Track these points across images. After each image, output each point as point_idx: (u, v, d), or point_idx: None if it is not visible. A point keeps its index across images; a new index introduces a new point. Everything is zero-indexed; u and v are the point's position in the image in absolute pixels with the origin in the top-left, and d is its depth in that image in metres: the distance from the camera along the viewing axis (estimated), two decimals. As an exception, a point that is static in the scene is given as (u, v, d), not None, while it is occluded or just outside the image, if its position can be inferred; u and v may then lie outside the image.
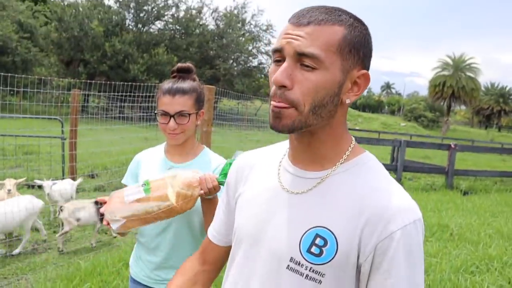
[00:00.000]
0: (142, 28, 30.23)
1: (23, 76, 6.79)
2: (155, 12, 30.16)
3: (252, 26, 33.56)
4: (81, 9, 27.36)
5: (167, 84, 1.87)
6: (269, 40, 33.67)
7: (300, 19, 0.95)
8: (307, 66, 0.92)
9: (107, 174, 8.45)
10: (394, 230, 0.92)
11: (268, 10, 54.84)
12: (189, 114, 1.85)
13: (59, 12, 26.78)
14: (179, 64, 1.93)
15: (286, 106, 0.95)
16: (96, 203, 5.11)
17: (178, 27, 30.94)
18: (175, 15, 30.79)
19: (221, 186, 1.67)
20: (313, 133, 1.01)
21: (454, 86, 45.46)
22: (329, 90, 0.94)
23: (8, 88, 5.85)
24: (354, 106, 66.35)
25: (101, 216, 2.06)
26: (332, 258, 0.95)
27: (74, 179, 6.57)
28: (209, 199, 1.73)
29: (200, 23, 31.55)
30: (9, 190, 5.08)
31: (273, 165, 1.14)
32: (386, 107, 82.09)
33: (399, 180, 10.43)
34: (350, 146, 1.05)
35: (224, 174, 1.66)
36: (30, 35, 27.66)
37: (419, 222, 0.95)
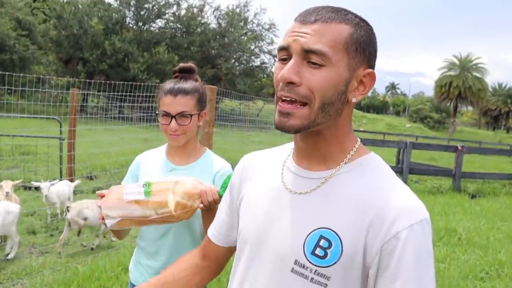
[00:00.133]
0: (142, 27, 30.29)
1: (21, 74, 6.78)
2: (156, 10, 30.22)
3: (254, 25, 33.63)
4: (80, 6, 27.45)
5: (168, 84, 1.86)
6: (271, 39, 33.74)
7: (307, 17, 0.97)
8: (314, 63, 0.94)
9: (106, 175, 8.44)
10: (400, 230, 0.91)
11: (270, 8, 55.08)
12: (191, 115, 1.84)
13: (58, 10, 26.86)
14: (181, 64, 1.92)
15: (297, 106, 0.96)
16: None
17: (179, 26, 31.00)
18: (176, 13, 30.87)
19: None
20: (319, 133, 1.02)
21: (460, 87, 45.45)
22: (336, 88, 0.96)
23: (6, 87, 5.86)
24: (359, 106, 66.46)
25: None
26: (337, 260, 0.95)
27: (72, 180, 6.56)
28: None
29: (202, 21, 31.61)
30: (7, 193, 5.05)
31: (277, 165, 1.15)
32: (391, 107, 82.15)
33: (404, 182, 10.36)
34: (354, 146, 1.05)
35: (224, 187, 1.67)
36: (28, 33, 27.79)
37: (426, 222, 0.94)
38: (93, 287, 3.83)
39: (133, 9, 29.97)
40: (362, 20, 1.00)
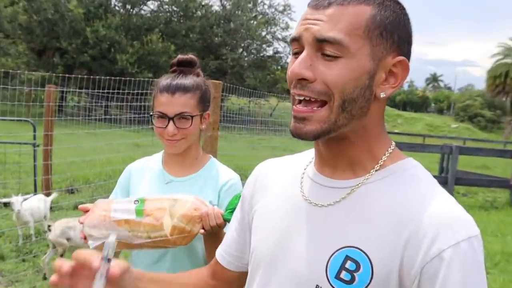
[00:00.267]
0: (131, 10, 30.51)
1: (-15, 68, 6.85)
2: (147, -11, 30.46)
3: (266, 6, 33.75)
4: (56, -14, 27.64)
5: (165, 80, 1.88)
6: (286, 23, 33.78)
7: (321, 1, 0.98)
8: (329, 55, 0.95)
9: (89, 189, 8.50)
10: (444, 249, 0.90)
11: (285, -14, 54.94)
12: (192, 117, 1.85)
13: (29, -10, 27.06)
14: (180, 56, 1.94)
15: (313, 108, 0.97)
16: None
17: (175, 9, 31.17)
18: (172, -7, 31.04)
19: (228, 224, 1.69)
20: (343, 137, 1.02)
21: (519, 78, 45.04)
22: (358, 82, 0.96)
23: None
24: (393, 103, 66.05)
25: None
26: (367, 286, 0.95)
27: (48, 195, 6.61)
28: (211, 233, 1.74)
29: (202, 3, 31.75)
30: None
31: (296, 174, 1.16)
32: (433, 104, 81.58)
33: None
34: (387, 151, 1.05)
35: (231, 210, 1.68)
36: (-9, 18, 27.93)
37: (476, 239, 0.93)
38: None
39: (120, -11, 30.24)
40: None
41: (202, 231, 1.68)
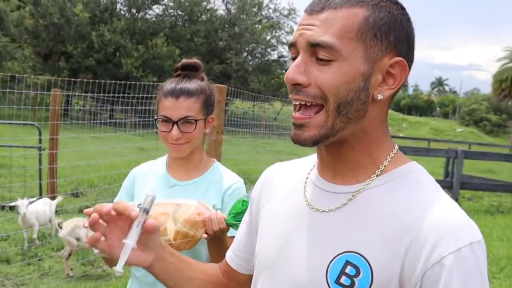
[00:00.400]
0: (136, 14, 30.60)
1: (-9, 73, 6.88)
2: (152, -6, 30.54)
3: (270, 10, 33.79)
4: (62, -10, 27.77)
5: (169, 84, 1.89)
6: (291, 27, 33.81)
7: (315, 6, 0.99)
8: (322, 59, 0.96)
9: (94, 192, 8.52)
10: (445, 255, 0.89)
11: (290, -10, 55.17)
12: (196, 121, 1.86)
13: (35, -6, 27.18)
14: (184, 60, 1.95)
15: (311, 114, 0.98)
16: None
17: (180, 13, 31.26)
18: (177, -3, 31.12)
19: (231, 228, 1.71)
20: (342, 141, 1.02)
21: (525, 82, 44.90)
22: (351, 85, 0.96)
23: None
24: (398, 108, 66.00)
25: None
26: None
27: (53, 198, 6.63)
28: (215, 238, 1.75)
29: (207, 7, 31.81)
30: None
31: (300, 178, 1.16)
32: (438, 108, 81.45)
33: (455, 200, 10.25)
34: (389, 155, 1.05)
35: (234, 214, 1.69)
36: (-1, 22, 28.04)
37: (478, 245, 0.92)
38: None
39: (125, -7, 30.32)
40: None
41: (205, 235, 1.68)
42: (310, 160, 1.21)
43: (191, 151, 1.91)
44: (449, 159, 12.62)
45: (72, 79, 9.03)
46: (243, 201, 1.70)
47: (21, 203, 5.68)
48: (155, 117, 1.91)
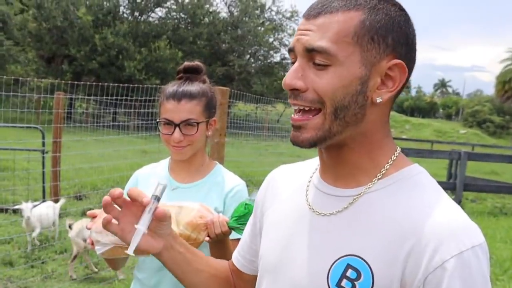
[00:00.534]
0: (139, 17, 30.65)
1: (-5, 76, 6.89)
2: (155, -3, 30.58)
3: (273, 13, 33.78)
4: (65, -6, 27.82)
5: (171, 87, 1.90)
6: (294, 29, 33.75)
7: (312, 11, 1.00)
8: (319, 64, 0.96)
9: (97, 195, 8.53)
10: (447, 259, 0.89)
11: (292, -8, 55.09)
12: (198, 123, 1.87)
13: (38, -2, 27.22)
14: (186, 63, 1.96)
15: (309, 116, 0.99)
16: None
17: (183, 15, 31.29)
18: (179, 0, 31.15)
19: (233, 231, 1.71)
20: (342, 144, 1.03)
21: (529, 83, 44.79)
22: (348, 89, 0.96)
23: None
24: (400, 109, 65.89)
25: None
26: None
27: (57, 201, 6.65)
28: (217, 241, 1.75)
29: (210, 10, 31.85)
30: None
31: (303, 181, 1.17)
32: (441, 110, 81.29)
33: (458, 202, 10.28)
34: (391, 158, 1.05)
35: (236, 217, 1.70)
36: (2, 25, 28.09)
37: (480, 248, 0.92)
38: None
39: (128, -4, 30.37)
40: (382, 1, 0.99)
41: (207, 238, 1.68)
42: (314, 163, 1.21)
43: (193, 153, 1.92)
44: (452, 160, 12.62)
45: (75, 82, 9.05)
46: (246, 204, 1.70)
47: (25, 207, 5.71)
48: (157, 120, 1.91)
